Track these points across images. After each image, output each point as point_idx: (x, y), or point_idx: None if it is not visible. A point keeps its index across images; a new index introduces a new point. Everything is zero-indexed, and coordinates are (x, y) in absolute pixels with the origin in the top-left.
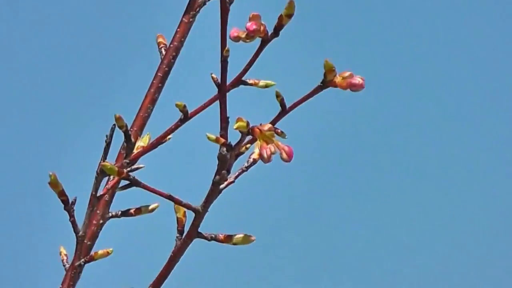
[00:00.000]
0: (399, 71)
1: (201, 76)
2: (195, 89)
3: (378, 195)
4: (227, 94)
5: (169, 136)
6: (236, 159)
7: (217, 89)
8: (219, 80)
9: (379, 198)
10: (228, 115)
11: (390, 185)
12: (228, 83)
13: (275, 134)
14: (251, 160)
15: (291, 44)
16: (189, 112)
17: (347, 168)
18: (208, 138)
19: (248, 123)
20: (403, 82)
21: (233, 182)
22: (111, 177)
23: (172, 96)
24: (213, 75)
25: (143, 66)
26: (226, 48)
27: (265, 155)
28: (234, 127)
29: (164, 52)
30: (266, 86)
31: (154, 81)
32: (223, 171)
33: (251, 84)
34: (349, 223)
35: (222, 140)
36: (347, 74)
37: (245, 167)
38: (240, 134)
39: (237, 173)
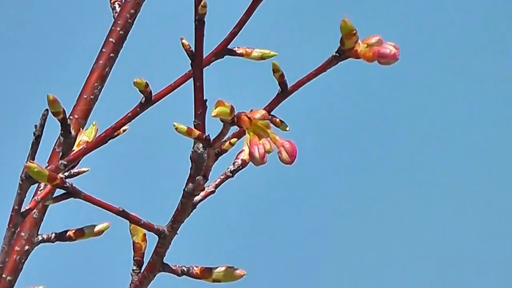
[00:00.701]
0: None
1: (169, 43)
2: (161, 61)
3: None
4: (205, 68)
5: (124, 127)
6: (216, 159)
7: (190, 61)
8: (193, 49)
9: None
10: (205, 98)
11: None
12: (207, 54)
13: (271, 125)
14: (238, 161)
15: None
16: (152, 93)
17: (364, 171)
18: (177, 129)
19: (232, 109)
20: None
21: (213, 192)
22: (42, 184)
23: (129, 72)
24: (184, 40)
25: (89, 28)
26: (203, 3)
27: (257, 155)
28: (213, 114)
29: (118, 9)
30: (262, 57)
31: (103, 50)
32: (198, 177)
33: (240, 55)
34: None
35: (197, 132)
36: (374, 39)
37: (230, 172)
38: (222, 124)
39: (218, 180)
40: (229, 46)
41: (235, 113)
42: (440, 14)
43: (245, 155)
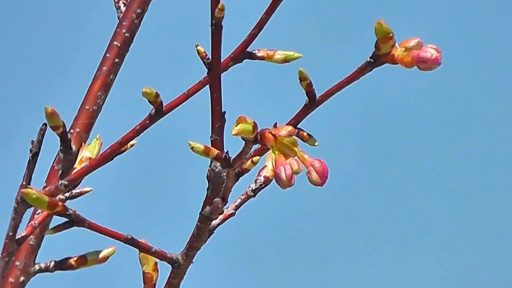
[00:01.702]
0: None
1: (181, 46)
2: (173, 67)
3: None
4: (223, 75)
5: (131, 142)
6: (237, 180)
7: (206, 69)
8: (209, 55)
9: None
10: (224, 110)
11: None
12: (224, 58)
13: (297, 141)
14: (261, 179)
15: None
16: (163, 104)
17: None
18: (193, 149)
19: (255, 126)
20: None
21: (232, 215)
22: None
23: (137, 79)
24: (199, 47)
25: (90, 31)
26: (220, 5)
27: (284, 176)
28: (234, 132)
29: (123, 9)
30: (286, 60)
31: (107, 55)
32: (216, 199)
33: (260, 58)
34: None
35: (215, 151)
36: (413, 43)
37: (252, 191)
38: (244, 142)
39: (238, 201)
40: (248, 49)
41: (258, 130)
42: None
43: (268, 171)
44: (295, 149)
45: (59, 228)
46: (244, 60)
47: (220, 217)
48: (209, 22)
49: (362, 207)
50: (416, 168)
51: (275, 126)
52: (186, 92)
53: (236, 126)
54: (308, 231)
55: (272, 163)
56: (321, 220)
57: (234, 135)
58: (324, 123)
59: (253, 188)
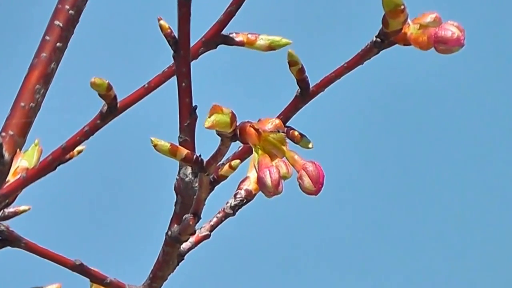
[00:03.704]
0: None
1: (141, 27)
2: (130, 53)
3: None
4: (193, 62)
5: (78, 148)
6: (212, 189)
7: (172, 51)
8: (175, 34)
9: None
10: (195, 105)
11: None
12: (195, 42)
13: (287, 140)
14: (242, 193)
15: None
16: (118, 99)
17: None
18: (156, 147)
19: (233, 117)
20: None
21: (207, 237)
22: None
23: (86, 68)
24: (162, 21)
25: (26, 8)
26: None
27: (269, 182)
28: (207, 125)
29: None
30: (271, 47)
31: (46, 38)
32: (186, 216)
33: (239, 43)
34: None
35: (184, 151)
36: (429, 18)
37: (230, 208)
38: (220, 140)
39: (214, 220)
40: (224, 32)
41: (238, 124)
42: None
43: (251, 184)
44: (284, 148)
45: None
46: (219, 46)
47: (192, 239)
48: None
49: (364, 217)
50: (432, 173)
51: (259, 120)
52: (147, 85)
53: (209, 117)
54: (300, 249)
55: (255, 167)
56: (316, 237)
57: (208, 128)
58: (319, 119)
59: (232, 205)
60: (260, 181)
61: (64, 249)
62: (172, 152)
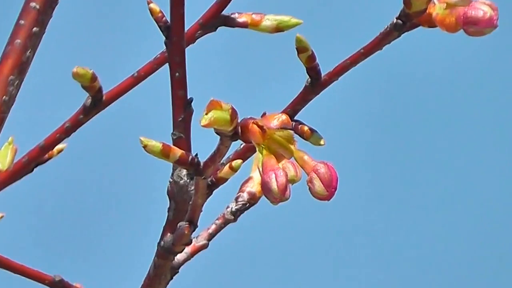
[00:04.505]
0: None
1: (130, 10)
2: (117, 39)
3: None
4: (189, 48)
5: (59, 146)
6: (210, 194)
7: (164, 38)
8: (167, 18)
9: None
10: (190, 97)
11: None
12: (192, 24)
13: (295, 138)
14: (244, 196)
15: None
16: (103, 91)
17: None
18: (145, 147)
19: (233, 113)
20: None
21: (205, 246)
22: None
23: (66, 57)
24: (152, 4)
25: None
26: None
27: (274, 186)
28: (204, 123)
29: None
30: (279, 28)
31: (21, 22)
32: (180, 223)
33: (242, 25)
34: None
35: (178, 152)
36: None
37: (231, 213)
38: (219, 139)
39: (213, 227)
40: (224, 12)
41: (239, 121)
42: None
43: (254, 185)
44: (292, 147)
45: None
46: (219, 28)
47: (187, 250)
48: None
49: (381, 222)
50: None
51: (263, 116)
52: (136, 74)
53: (206, 114)
54: (312, 258)
55: (259, 169)
56: (331, 245)
57: (204, 126)
58: (333, 112)
59: (233, 209)
60: (264, 186)
61: (42, 264)
62: (164, 154)
